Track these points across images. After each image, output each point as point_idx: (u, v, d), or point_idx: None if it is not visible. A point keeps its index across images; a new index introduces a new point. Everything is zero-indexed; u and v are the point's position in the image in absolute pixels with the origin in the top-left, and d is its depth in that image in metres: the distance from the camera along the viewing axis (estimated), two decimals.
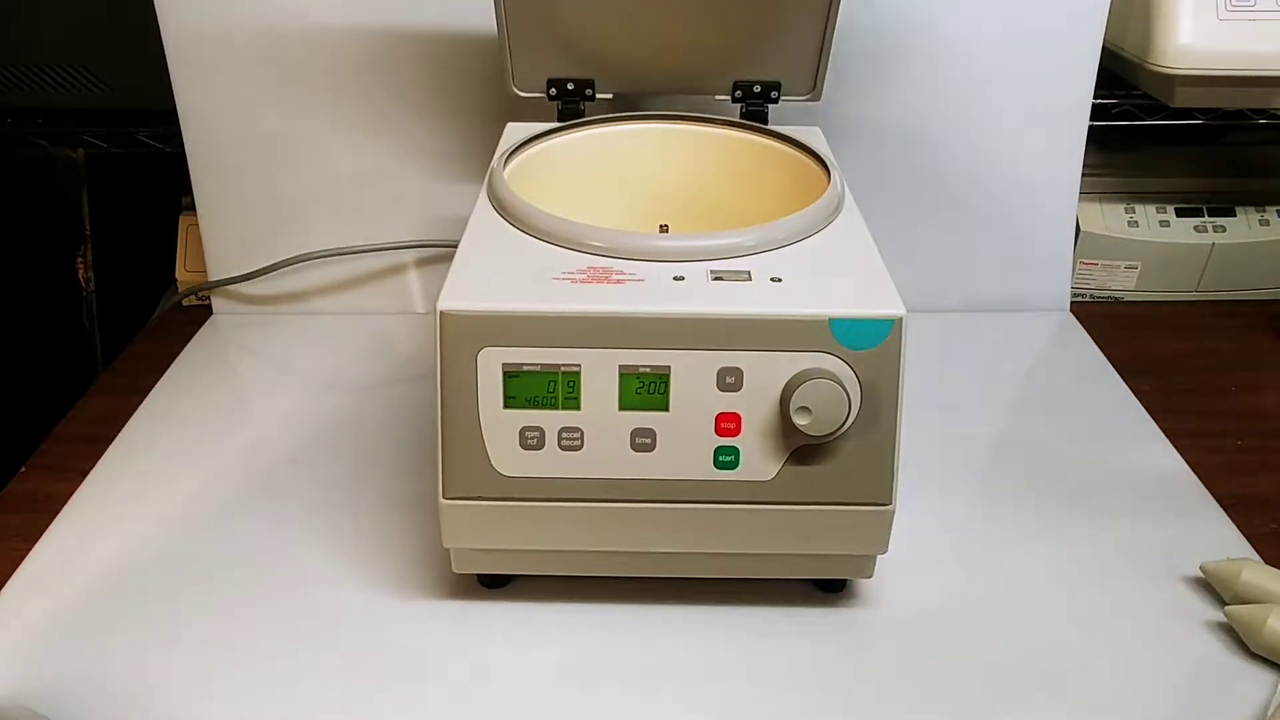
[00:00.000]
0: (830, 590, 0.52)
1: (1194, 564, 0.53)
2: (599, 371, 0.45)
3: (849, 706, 0.46)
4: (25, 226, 0.77)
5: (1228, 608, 0.49)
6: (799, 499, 0.47)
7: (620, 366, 0.45)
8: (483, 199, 0.55)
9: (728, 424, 0.46)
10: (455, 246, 0.74)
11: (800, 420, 0.44)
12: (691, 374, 0.45)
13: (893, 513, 0.47)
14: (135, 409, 0.65)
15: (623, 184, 0.64)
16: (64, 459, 0.61)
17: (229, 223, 0.74)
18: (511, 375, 0.45)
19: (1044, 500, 0.59)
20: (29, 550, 0.54)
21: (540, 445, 0.46)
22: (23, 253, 0.77)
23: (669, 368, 0.45)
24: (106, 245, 0.79)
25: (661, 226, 0.59)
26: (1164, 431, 0.64)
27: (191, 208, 0.76)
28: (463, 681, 0.47)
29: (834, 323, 0.45)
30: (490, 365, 0.45)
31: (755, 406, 0.46)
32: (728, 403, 0.46)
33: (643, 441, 0.46)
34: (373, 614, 0.50)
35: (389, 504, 0.58)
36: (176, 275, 0.80)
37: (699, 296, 0.46)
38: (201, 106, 0.72)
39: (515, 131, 0.64)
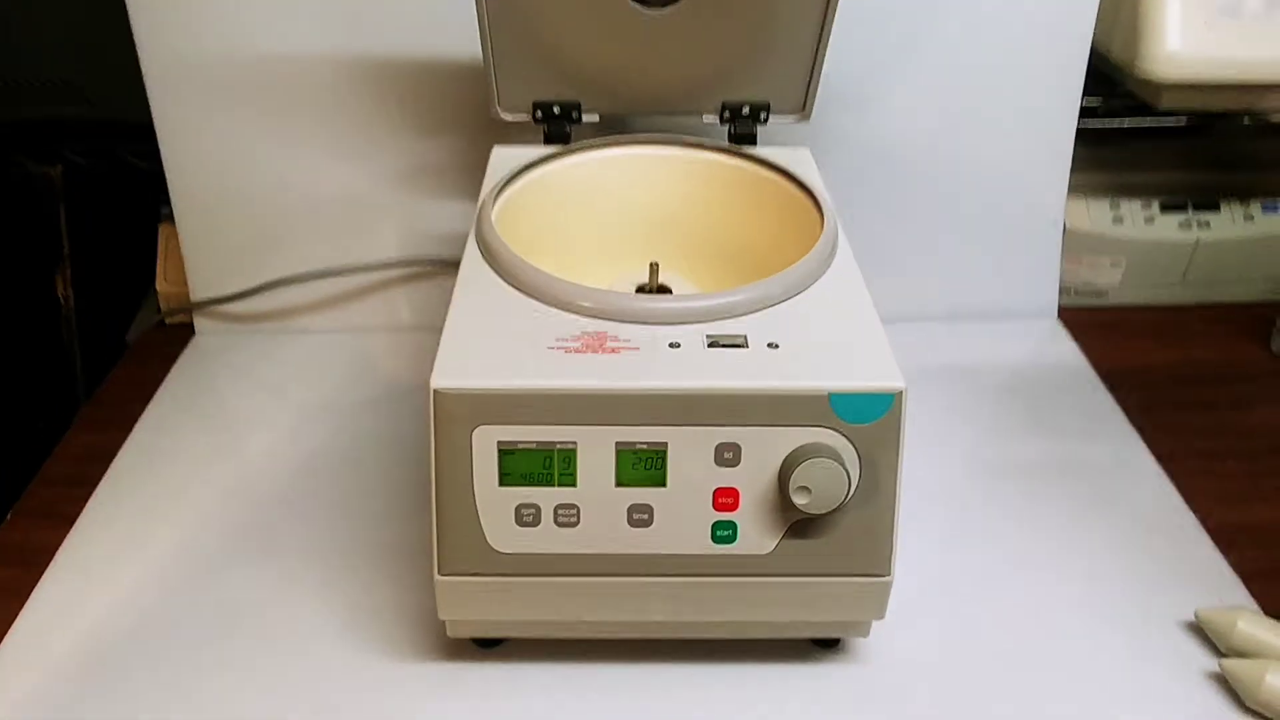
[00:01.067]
0: (825, 646, 0.52)
1: (1187, 606, 0.54)
2: (595, 448, 0.45)
3: None
4: (1, 244, 0.75)
5: (1224, 661, 0.50)
6: (797, 571, 0.46)
7: (617, 443, 0.45)
8: (471, 246, 0.53)
9: (725, 499, 0.45)
10: (441, 264, 0.73)
11: (800, 499, 0.44)
12: (689, 450, 0.45)
13: (890, 583, 0.47)
14: (120, 445, 0.64)
15: (613, 211, 0.62)
16: (50, 504, 0.59)
17: (210, 243, 0.72)
18: (507, 453, 0.45)
19: (1031, 535, 0.59)
20: (20, 608, 0.53)
21: (536, 522, 0.45)
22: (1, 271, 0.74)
23: (666, 444, 0.45)
24: (85, 261, 0.77)
25: (652, 265, 0.58)
26: (1154, 454, 0.65)
27: (171, 218, 0.73)
28: None
29: (833, 398, 0.44)
30: (485, 443, 0.44)
31: (753, 481, 0.45)
32: (726, 478, 0.45)
33: (639, 517, 0.46)
34: (366, 674, 0.50)
35: (383, 548, 0.57)
36: (157, 286, 0.78)
37: (695, 369, 0.45)
38: (181, 128, 0.69)
39: (502, 160, 0.62)
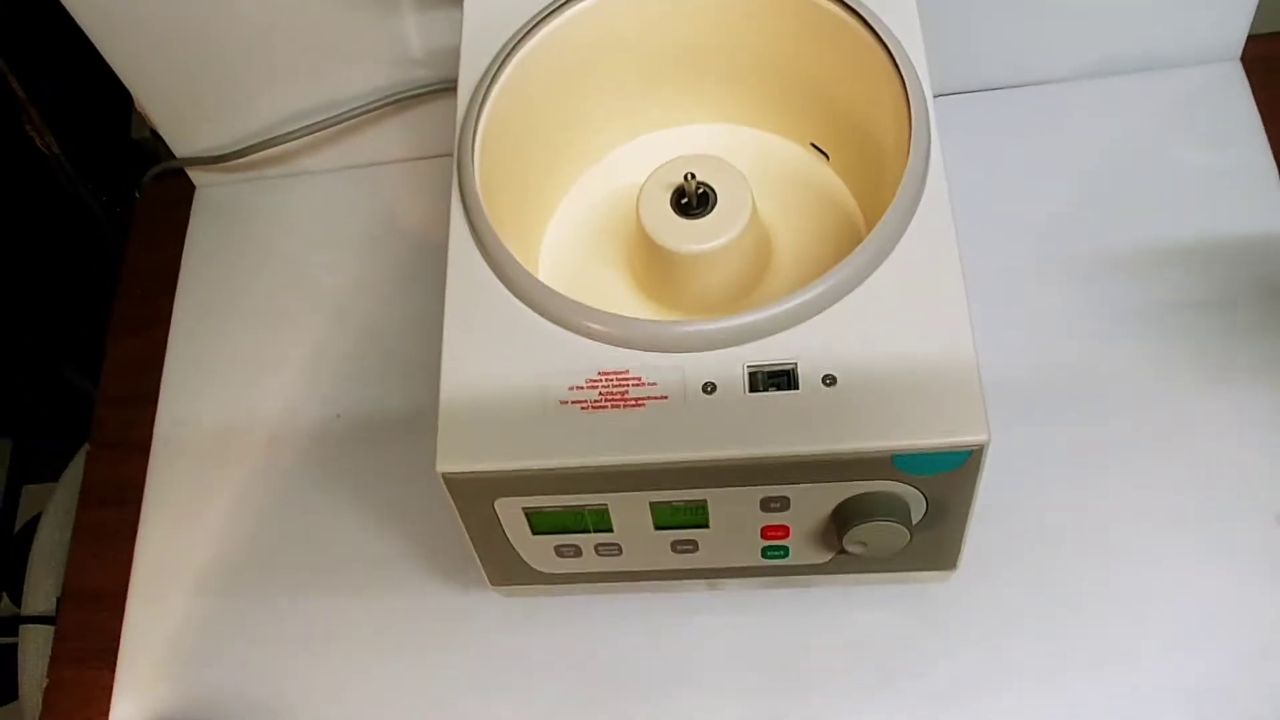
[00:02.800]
0: None
1: None
2: (628, 506, 0.41)
3: (931, 638, 0.47)
4: None
5: None
6: (855, 570, 0.44)
7: (651, 502, 0.40)
8: (457, 213, 0.43)
9: (775, 533, 0.42)
10: (432, 88, 0.59)
11: (854, 549, 0.40)
12: (732, 503, 0.40)
13: (956, 571, 0.44)
14: (163, 348, 0.60)
15: (639, 67, 0.49)
16: (120, 432, 0.59)
17: (172, 97, 0.60)
18: (534, 513, 0.41)
19: (1145, 390, 0.51)
20: (129, 553, 0.56)
21: (578, 554, 0.43)
22: None
23: (705, 500, 0.40)
24: (48, 98, 0.67)
25: (688, 175, 0.46)
26: None
27: None
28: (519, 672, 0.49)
29: (898, 459, 0.38)
30: (510, 507, 0.41)
31: (804, 518, 0.41)
32: (774, 519, 0.41)
33: (684, 547, 0.43)
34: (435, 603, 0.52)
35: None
36: (137, 108, 0.68)
37: (735, 428, 0.38)
38: None
39: (478, 13, 0.47)
